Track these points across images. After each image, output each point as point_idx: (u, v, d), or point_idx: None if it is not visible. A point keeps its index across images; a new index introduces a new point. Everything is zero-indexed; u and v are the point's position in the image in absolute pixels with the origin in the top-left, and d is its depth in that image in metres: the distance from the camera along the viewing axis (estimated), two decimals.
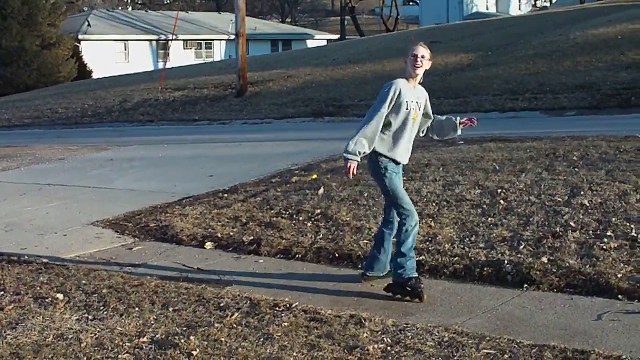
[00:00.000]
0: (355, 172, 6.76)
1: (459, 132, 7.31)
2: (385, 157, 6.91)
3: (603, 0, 51.27)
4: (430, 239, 8.20)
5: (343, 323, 6.16)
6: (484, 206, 9.01)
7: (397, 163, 6.98)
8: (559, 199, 8.97)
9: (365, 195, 9.94)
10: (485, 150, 12.13)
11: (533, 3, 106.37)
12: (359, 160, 6.75)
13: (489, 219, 8.59)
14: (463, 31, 38.67)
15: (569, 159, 10.90)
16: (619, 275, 6.83)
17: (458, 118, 7.32)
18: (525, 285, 6.98)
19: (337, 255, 8.20)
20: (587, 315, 6.28)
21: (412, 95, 6.90)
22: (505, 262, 7.35)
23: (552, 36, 29.91)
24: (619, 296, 6.59)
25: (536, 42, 29.10)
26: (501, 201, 9.12)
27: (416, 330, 5.97)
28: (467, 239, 8.08)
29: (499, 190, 9.52)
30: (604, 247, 7.46)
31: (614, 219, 8.13)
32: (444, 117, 7.37)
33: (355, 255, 8.07)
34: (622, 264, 7.06)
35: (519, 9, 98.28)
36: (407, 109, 6.84)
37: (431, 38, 34.86)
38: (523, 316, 6.36)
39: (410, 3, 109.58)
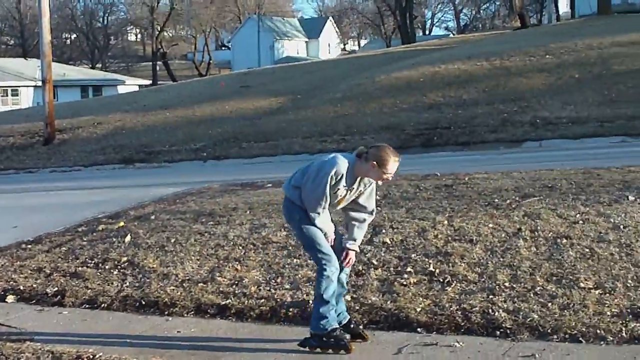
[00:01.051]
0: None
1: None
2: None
3: (407, 45, 53.27)
4: (236, 282, 8.23)
5: None
6: (290, 248, 9.12)
7: None
8: None
9: (173, 241, 9.88)
10: None
11: (342, 47, 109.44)
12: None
13: (295, 260, 8.71)
14: (273, 75, 39.27)
15: None
16: (418, 309, 7.08)
17: (348, 245, 6.61)
18: None
19: (143, 302, 8.09)
20: (388, 350, 6.46)
21: (350, 182, 6.35)
22: (310, 302, 7.46)
23: (358, 79, 30.84)
24: (418, 329, 6.82)
25: (344, 86, 29.92)
26: None
27: None
28: (274, 281, 8.17)
29: None
30: (404, 282, 7.72)
31: (413, 255, 8.43)
32: (354, 230, 6.63)
33: (162, 302, 7.98)
34: (421, 298, 7.32)
35: (329, 53, 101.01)
36: (335, 192, 6.34)
37: (242, 82, 35.21)
38: (326, 355, 6.48)
39: (223, 48, 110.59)
